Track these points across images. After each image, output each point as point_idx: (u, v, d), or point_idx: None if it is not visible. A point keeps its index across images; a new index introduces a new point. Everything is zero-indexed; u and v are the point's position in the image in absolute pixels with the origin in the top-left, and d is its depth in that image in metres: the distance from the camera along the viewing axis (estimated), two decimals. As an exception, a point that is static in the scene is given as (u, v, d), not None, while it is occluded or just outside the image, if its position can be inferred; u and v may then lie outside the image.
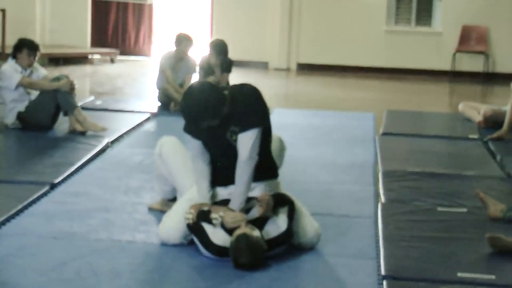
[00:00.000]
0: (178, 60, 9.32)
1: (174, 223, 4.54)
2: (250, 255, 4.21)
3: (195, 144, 4.59)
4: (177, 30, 9.67)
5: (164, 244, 4.56)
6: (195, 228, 4.41)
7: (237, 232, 4.25)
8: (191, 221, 4.42)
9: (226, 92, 4.49)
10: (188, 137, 4.63)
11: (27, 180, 5.80)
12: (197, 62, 9.46)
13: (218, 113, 4.38)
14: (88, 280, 4.05)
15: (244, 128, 4.43)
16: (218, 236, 4.35)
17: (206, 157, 4.59)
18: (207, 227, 4.38)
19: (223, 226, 4.36)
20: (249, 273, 4.18)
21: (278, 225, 4.41)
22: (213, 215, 4.38)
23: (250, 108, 4.48)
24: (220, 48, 9.38)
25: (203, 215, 4.41)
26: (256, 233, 4.27)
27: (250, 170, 4.44)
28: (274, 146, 5.04)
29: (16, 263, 4.23)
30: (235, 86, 4.66)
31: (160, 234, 4.61)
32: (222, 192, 4.59)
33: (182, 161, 4.91)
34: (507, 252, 4.47)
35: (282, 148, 5.17)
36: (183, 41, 9.26)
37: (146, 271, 4.25)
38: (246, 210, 4.44)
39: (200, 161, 4.58)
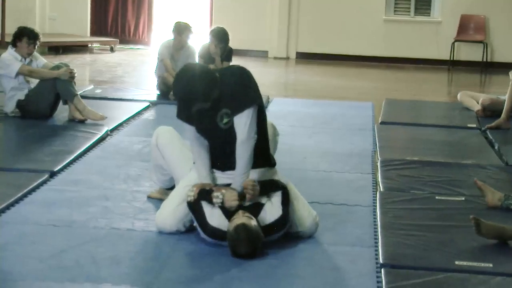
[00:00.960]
0: (177, 49, 9.31)
1: (171, 210, 4.56)
2: (249, 246, 4.23)
3: (190, 130, 4.60)
4: (176, 19, 9.63)
5: (162, 232, 4.58)
6: (195, 206, 4.44)
7: (236, 222, 4.26)
8: (192, 199, 4.44)
9: (217, 74, 4.50)
10: (184, 126, 4.65)
11: (26, 168, 5.82)
12: (197, 50, 9.45)
13: (209, 95, 4.39)
14: (88, 267, 4.06)
15: (238, 110, 4.44)
16: (214, 218, 4.38)
17: (203, 141, 4.60)
18: (206, 207, 4.41)
19: (222, 205, 4.38)
20: (248, 261, 4.20)
21: (273, 211, 4.43)
22: (215, 193, 4.41)
23: (241, 89, 4.48)
24: (220, 36, 9.37)
25: (204, 194, 4.44)
26: (254, 222, 4.29)
27: (250, 150, 4.45)
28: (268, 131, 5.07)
29: (15, 251, 4.25)
30: (223, 68, 4.67)
31: (157, 222, 4.63)
32: (220, 176, 4.61)
33: (179, 150, 4.93)
34: (494, 237, 4.48)
35: (275, 133, 5.19)
36: (184, 31, 9.24)
37: (145, 258, 4.27)
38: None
39: (198, 145, 4.60)
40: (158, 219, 4.62)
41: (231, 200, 4.37)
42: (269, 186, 4.52)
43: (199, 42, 9.88)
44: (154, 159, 5.11)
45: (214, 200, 4.40)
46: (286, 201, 4.48)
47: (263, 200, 4.49)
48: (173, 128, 5.13)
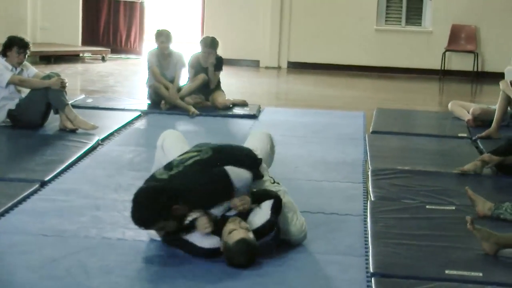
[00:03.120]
0: (164, 57, 9.26)
1: None
2: (249, 258, 4.25)
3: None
4: (167, 28, 9.59)
5: (154, 242, 4.57)
6: (176, 243, 4.40)
7: (235, 237, 4.24)
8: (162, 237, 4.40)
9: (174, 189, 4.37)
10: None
11: (17, 177, 5.81)
12: (186, 59, 9.40)
13: (162, 215, 4.31)
14: (79, 277, 4.06)
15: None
16: (206, 241, 4.35)
17: None
18: (191, 237, 4.36)
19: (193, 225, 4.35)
20: (240, 271, 4.20)
21: (261, 215, 4.43)
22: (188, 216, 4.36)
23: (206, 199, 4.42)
24: (215, 44, 9.39)
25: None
26: (251, 235, 4.29)
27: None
28: (264, 144, 5.10)
29: (6, 261, 4.25)
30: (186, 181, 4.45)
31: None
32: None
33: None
34: (484, 237, 4.50)
35: (272, 145, 5.21)
36: (158, 36, 9.20)
37: (136, 268, 4.27)
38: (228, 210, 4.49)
39: None
40: None
41: (204, 228, 4.31)
42: (262, 196, 4.53)
43: (190, 51, 9.88)
44: (158, 160, 5.12)
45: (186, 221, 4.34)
46: (277, 208, 4.48)
47: (253, 205, 4.49)
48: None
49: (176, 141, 5.03)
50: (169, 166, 4.58)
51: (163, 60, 9.25)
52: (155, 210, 4.26)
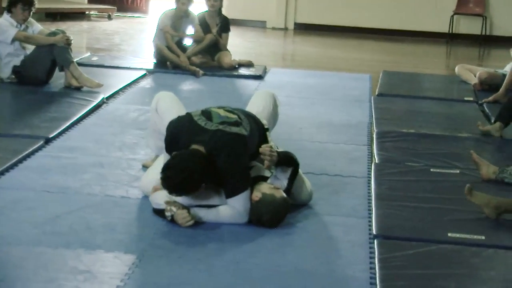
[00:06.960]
0: (178, 18, 9.20)
1: (155, 177, 4.44)
2: (282, 219, 4.31)
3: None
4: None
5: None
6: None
7: (281, 193, 4.31)
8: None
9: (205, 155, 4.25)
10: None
11: (22, 134, 5.82)
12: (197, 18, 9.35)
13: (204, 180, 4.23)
14: (82, 233, 4.08)
15: (231, 194, 4.28)
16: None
17: None
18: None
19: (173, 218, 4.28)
20: (241, 230, 4.22)
21: (278, 183, 4.43)
22: (166, 211, 4.27)
23: (234, 174, 4.28)
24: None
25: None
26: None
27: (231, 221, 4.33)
28: (267, 103, 5.07)
29: (10, 216, 4.26)
30: (215, 148, 4.30)
31: (141, 186, 4.67)
32: None
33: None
34: (483, 203, 4.50)
35: (275, 105, 5.17)
36: None
37: (139, 225, 4.29)
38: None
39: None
40: (142, 183, 4.67)
41: (184, 221, 4.21)
42: (285, 159, 4.48)
43: (198, 11, 9.82)
44: (153, 123, 5.07)
45: (166, 214, 4.26)
46: (293, 177, 4.48)
47: (267, 173, 4.48)
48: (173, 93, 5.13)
49: (171, 104, 4.95)
50: (207, 115, 4.46)
51: (177, 21, 9.16)
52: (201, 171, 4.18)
